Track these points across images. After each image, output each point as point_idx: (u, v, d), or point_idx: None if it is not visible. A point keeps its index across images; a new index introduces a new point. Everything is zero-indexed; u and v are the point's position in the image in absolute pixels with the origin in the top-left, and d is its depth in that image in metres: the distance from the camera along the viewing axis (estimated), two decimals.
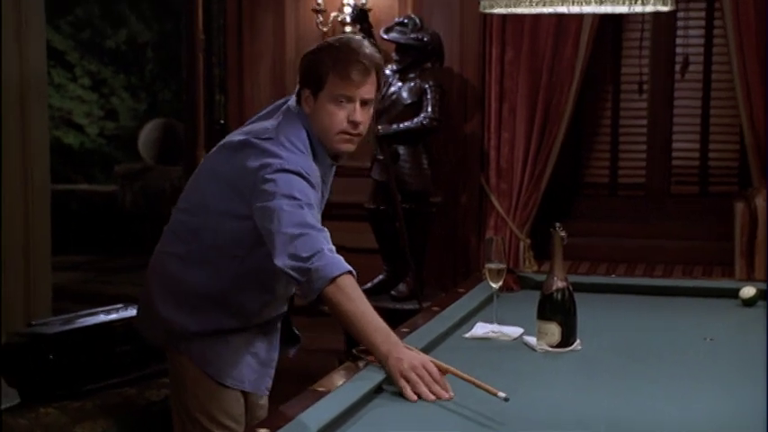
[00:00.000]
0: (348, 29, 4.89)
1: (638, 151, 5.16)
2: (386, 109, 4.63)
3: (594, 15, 4.31)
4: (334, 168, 2.48)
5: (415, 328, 2.53)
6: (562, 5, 2.60)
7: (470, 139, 4.93)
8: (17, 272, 5.52)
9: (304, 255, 2.09)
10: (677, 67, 5.02)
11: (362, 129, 2.29)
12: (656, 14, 2.96)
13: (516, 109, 4.79)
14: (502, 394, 1.87)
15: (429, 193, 4.69)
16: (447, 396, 1.94)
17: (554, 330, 2.34)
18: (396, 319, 4.49)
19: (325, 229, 2.21)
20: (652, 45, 5.02)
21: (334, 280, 2.10)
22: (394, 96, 4.62)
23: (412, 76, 4.60)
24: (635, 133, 5.16)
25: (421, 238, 4.70)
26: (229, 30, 5.12)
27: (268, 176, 2.19)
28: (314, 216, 2.20)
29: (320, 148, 2.32)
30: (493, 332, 2.51)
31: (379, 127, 4.60)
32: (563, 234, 2.38)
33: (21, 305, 5.52)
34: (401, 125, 4.58)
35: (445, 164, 4.85)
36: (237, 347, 2.42)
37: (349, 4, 4.84)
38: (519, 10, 2.73)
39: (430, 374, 1.96)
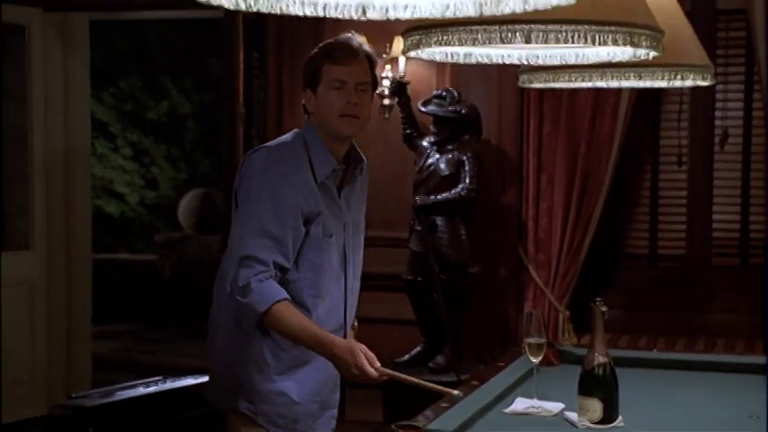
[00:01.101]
0: (386, 102, 4.96)
1: (678, 222, 5.13)
2: (423, 180, 4.66)
3: (633, 88, 4.33)
4: (355, 178, 2.56)
5: (454, 402, 2.51)
6: (601, 80, 2.62)
7: (508, 210, 4.94)
8: (59, 342, 5.58)
9: (240, 284, 2.31)
10: (716, 140, 5.02)
11: (361, 112, 2.41)
12: (695, 87, 2.97)
13: (554, 179, 4.80)
14: (455, 392, 2.41)
15: (467, 264, 4.69)
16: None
17: (596, 406, 2.31)
18: (436, 393, 4.53)
19: (270, 260, 2.36)
20: (691, 117, 5.03)
21: (266, 312, 2.33)
22: (432, 168, 4.65)
23: (450, 147, 4.64)
24: (675, 204, 5.13)
25: (459, 310, 4.68)
26: (270, 103, 5.20)
27: (241, 194, 2.43)
28: (262, 245, 2.35)
29: (321, 151, 2.43)
30: (533, 407, 2.48)
31: (417, 198, 4.63)
32: (604, 309, 2.37)
33: (62, 377, 5.56)
34: (439, 196, 4.60)
35: (483, 235, 4.86)
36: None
37: (387, 78, 4.91)
38: (557, 84, 2.75)
39: (366, 357, 2.40)
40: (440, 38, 2.01)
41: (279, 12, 1.62)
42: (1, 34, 5.26)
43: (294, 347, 2.42)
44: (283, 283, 2.37)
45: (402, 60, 4.87)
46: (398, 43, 4.86)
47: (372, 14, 1.66)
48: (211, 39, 7.99)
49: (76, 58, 5.66)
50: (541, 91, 4.67)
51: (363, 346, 2.40)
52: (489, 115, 4.80)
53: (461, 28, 1.99)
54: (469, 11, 1.63)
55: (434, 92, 4.72)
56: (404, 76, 4.84)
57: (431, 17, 1.67)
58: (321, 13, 1.64)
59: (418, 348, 4.74)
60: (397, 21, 1.76)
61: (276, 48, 5.16)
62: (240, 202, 2.41)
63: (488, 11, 1.61)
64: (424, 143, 4.71)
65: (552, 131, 4.79)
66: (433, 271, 4.58)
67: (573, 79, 2.62)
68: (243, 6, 1.59)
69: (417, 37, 2.05)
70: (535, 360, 2.52)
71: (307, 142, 2.44)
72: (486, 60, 2.37)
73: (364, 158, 2.60)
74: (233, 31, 5.03)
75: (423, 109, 4.66)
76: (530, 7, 1.58)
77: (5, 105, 5.37)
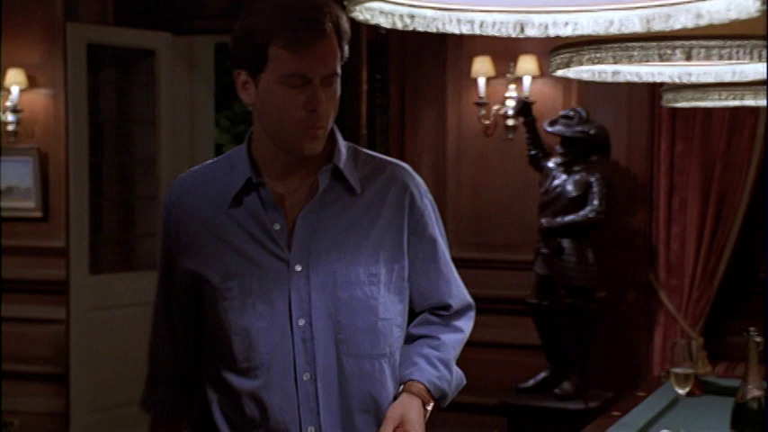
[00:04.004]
0: (511, 122, 4.88)
1: None
2: (550, 202, 4.55)
3: None
4: (343, 196, 1.74)
5: None
6: (754, 99, 2.49)
7: (637, 234, 4.78)
8: None
9: None
10: None
11: (329, 116, 1.67)
12: None
13: (687, 202, 4.62)
14: None
15: (594, 289, 4.55)
16: None
17: None
18: (560, 419, 4.42)
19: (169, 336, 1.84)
20: None
21: None
22: (558, 189, 4.54)
23: (577, 169, 4.53)
24: None
25: (585, 336, 4.55)
26: (392, 124, 5.19)
27: None
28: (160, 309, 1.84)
29: (241, 158, 1.76)
30: None
31: (543, 220, 4.53)
32: (758, 339, 2.25)
33: None
34: (566, 218, 4.49)
35: (611, 258, 4.71)
36: None
37: (512, 97, 4.84)
38: (704, 103, 2.64)
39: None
40: (592, 56, 1.94)
41: (435, 30, 1.58)
42: (133, 58, 5.41)
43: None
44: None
45: (527, 80, 4.79)
46: (524, 62, 4.79)
47: (531, 32, 1.60)
48: None
49: (201, 82, 5.77)
50: (674, 110, 4.51)
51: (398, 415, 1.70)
52: (617, 135, 4.67)
53: (616, 45, 1.91)
54: (636, 26, 1.55)
55: (561, 112, 4.62)
56: (529, 95, 4.75)
57: (593, 34, 1.59)
58: (477, 31, 1.58)
59: (543, 374, 4.62)
60: (555, 38, 1.69)
61: (398, 68, 5.14)
62: None
63: (657, 26, 1.53)
64: (550, 164, 4.61)
65: (685, 152, 4.62)
66: (560, 295, 4.47)
67: (724, 98, 2.50)
68: (399, 25, 1.55)
69: (568, 55, 1.98)
70: (682, 391, 2.41)
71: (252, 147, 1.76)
72: (635, 79, 2.27)
73: (390, 164, 1.80)
74: (356, 53, 5.03)
75: (549, 129, 4.56)
76: (703, 22, 1.49)
77: (137, 129, 5.50)
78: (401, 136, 5.16)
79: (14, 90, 5.21)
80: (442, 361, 1.76)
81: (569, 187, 4.52)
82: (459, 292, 1.85)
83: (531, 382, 4.59)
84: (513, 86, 4.85)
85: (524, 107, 4.66)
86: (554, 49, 2.04)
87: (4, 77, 5.23)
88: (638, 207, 4.79)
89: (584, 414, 4.36)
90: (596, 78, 2.24)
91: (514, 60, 4.80)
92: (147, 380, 1.91)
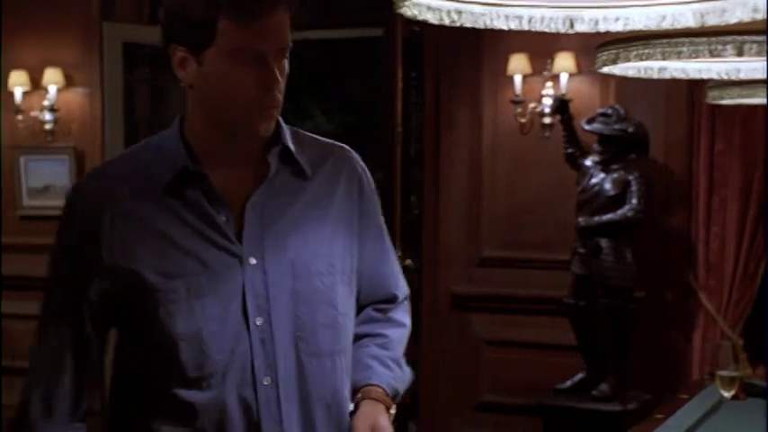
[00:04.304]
0: (547, 120, 4.83)
1: None
2: (588, 200, 4.50)
3: None
4: (293, 182, 1.61)
5: None
6: None
7: (676, 233, 4.71)
8: None
9: None
10: None
11: (281, 97, 1.53)
12: None
13: (727, 201, 4.55)
14: None
15: (632, 289, 4.49)
16: None
17: None
18: (598, 421, 4.37)
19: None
20: None
21: None
22: (596, 188, 4.49)
23: (615, 167, 4.47)
24: None
25: (623, 336, 4.49)
26: (427, 121, 5.16)
27: None
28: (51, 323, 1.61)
29: (173, 143, 1.58)
30: None
31: (581, 219, 4.48)
32: None
33: None
34: (604, 217, 4.44)
35: (649, 258, 4.64)
36: None
37: (548, 95, 4.79)
38: (752, 100, 2.59)
39: None
40: (640, 52, 1.90)
41: (483, 25, 1.55)
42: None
43: None
44: None
45: (564, 77, 4.74)
46: (561, 59, 4.74)
47: (581, 27, 1.56)
48: (355, 60, 8.04)
49: None
50: (713, 107, 4.45)
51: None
52: (655, 133, 4.60)
53: (665, 41, 1.87)
54: (689, 21, 1.51)
55: (599, 109, 4.56)
56: (566, 93, 4.71)
57: (644, 29, 1.56)
58: (526, 27, 1.56)
59: (580, 375, 4.57)
60: (604, 34, 1.66)
61: (434, 66, 5.11)
62: None
63: (711, 21, 1.49)
64: (587, 162, 4.55)
65: (725, 150, 4.55)
66: (597, 295, 4.42)
67: None
68: (447, 21, 1.53)
69: (615, 51, 1.95)
70: (727, 394, 2.37)
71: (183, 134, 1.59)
72: (681, 75, 2.23)
73: (336, 146, 1.70)
74: (392, 50, 5.01)
75: (587, 127, 4.51)
76: (759, 15, 1.45)
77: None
78: (436, 134, 5.13)
79: (52, 89, 5.24)
80: (393, 360, 1.68)
81: (607, 186, 4.46)
82: (403, 281, 1.77)
83: (568, 383, 4.54)
84: (549, 84, 4.80)
85: (562, 105, 4.61)
86: (600, 45, 2.01)
87: (41, 77, 5.26)
88: (677, 206, 4.73)
89: (622, 416, 4.31)
90: (642, 75, 2.20)
91: (551, 57, 4.75)
92: (27, 421, 1.59)
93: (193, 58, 1.50)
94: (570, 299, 4.56)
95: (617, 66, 2.07)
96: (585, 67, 4.76)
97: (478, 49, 4.98)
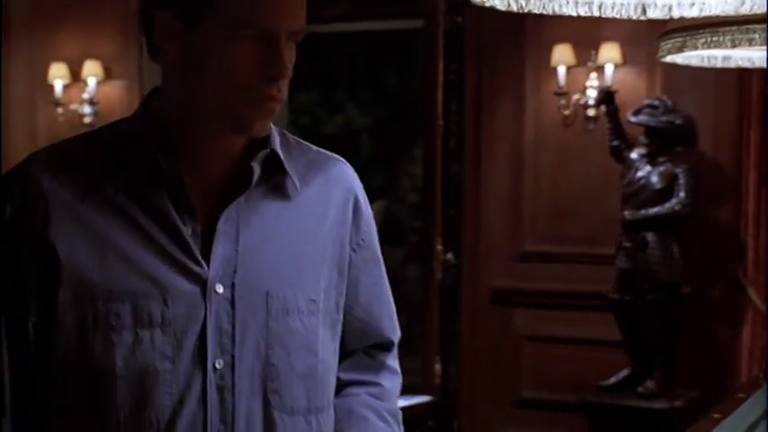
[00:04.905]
0: (591, 112, 4.75)
1: None
2: (633, 194, 4.41)
3: None
4: (270, 193, 1.30)
5: None
6: None
7: (724, 227, 4.61)
8: None
9: None
10: None
11: (285, 89, 1.23)
12: None
13: None
14: None
15: (679, 284, 4.40)
16: None
17: None
18: (644, 419, 4.29)
19: None
20: None
21: None
22: (642, 181, 4.40)
23: (662, 160, 4.38)
24: None
25: (670, 332, 4.40)
26: (468, 115, 5.08)
27: None
28: None
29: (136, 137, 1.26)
30: None
31: (627, 213, 4.40)
32: None
33: None
34: (651, 210, 4.35)
35: (696, 253, 4.55)
36: None
37: (593, 87, 4.71)
38: None
39: None
40: (708, 39, 1.82)
41: (551, 12, 1.49)
42: None
43: None
44: None
45: (609, 68, 4.65)
46: (606, 50, 4.65)
47: (653, 13, 1.49)
48: (390, 52, 7.97)
49: None
50: (764, 97, 4.33)
51: None
52: (704, 125, 4.50)
53: (735, 27, 1.79)
54: None
55: (646, 101, 4.46)
56: (611, 85, 4.61)
57: (721, 14, 1.48)
58: (596, 13, 1.49)
59: (625, 372, 4.49)
60: (653, 21, 1.59)
61: (475, 58, 5.04)
62: None
63: None
64: (633, 155, 4.46)
65: None
66: (643, 290, 4.34)
67: None
68: (515, 8, 1.46)
69: (681, 39, 1.87)
70: None
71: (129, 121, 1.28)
72: (747, 64, 2.15)
73: (330, 158, 1.40)
74: (432, 42, 4.95)
75: (633, 119, 4.42)
76: None
77: None
78: (477, 127, 5.06)
79: (91, 82, 5.23)
80: (391, 414, 1.40)
81: (654, 179, 4.37)
82: (396, 322, 1.46)
83: (613, 379, 4.46)
84: (594, 75, 4.71)
85: (607, 96, 4.52)
86: (664, 33, 1.93)
87: (80, 69, 5.26)
88: (726, 199, 4.62)
89: (668, 414, 4.23)
90: (705, 64, 2.12)
91: (596, 48, 4.66)
92: None
93: (184, 29, 1.19)
94: (615, 294, 4.48)
95: (680, 55, 1.99)
96: (631, 57, 4.67)
97: (521, 39, 4.90)
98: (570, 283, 4.78)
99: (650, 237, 4.38)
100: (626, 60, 4.65)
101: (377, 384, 1.41)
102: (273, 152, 1.27)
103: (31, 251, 1.22)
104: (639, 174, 4.42)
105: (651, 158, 4.40)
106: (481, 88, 5.04)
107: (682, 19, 1.71)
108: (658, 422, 4.27)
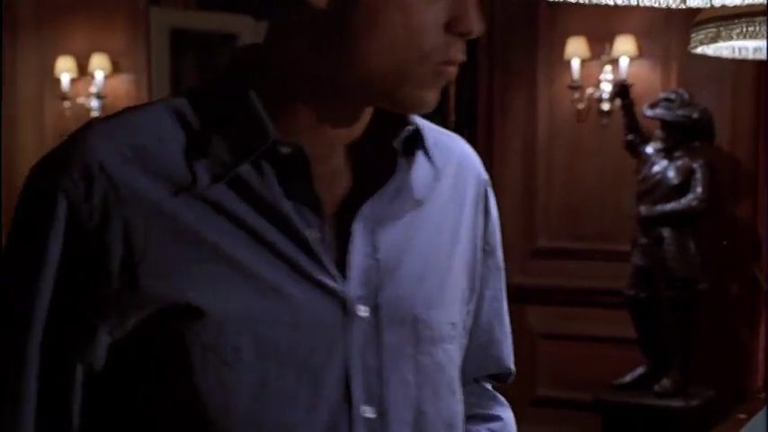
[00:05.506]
0: (606, 107, 4.68)
1: None
2: (649, 189, 4.34)
3: None
4: (405, 193, 0.98)
5: None
6: None
7: (741, 224, 4.55)
8: None
9: None
10: None
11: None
12: None
13: None
14: None
15: (695, 281, 4.34)
16: None
17: None
18: (660, 418, 4.22)
19: None
20: None
21: None
22: (658, 176, 4.33)
23: (678, 155, 4.31)
24: None
25: (686, 330, 4.34)
26: (480, 109, 5.02)
27: None
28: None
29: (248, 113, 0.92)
30: None
31: (642, 208, 4.33)
32: None
33: None
34: (667, 206, 4.28)
35: (713, 249, 4.48)
36: None
37: (607, 80, 4.63)
38: None
39: None
40: (744, 29, 1.75)
41: (587, 1, 1.42)
42: (215, 43, 5.34)
43: None
44: None
45: (624, 61, 4.58)
46: (621, 43, 4.58)
47: (693, 2, 1.43)
48: None
49: None
50: None
51: None
52: (721, 119, 4.43)
53: None
54: None
55: (662, 94, 4.39)
56: (626, 78, 4.55)
57: (763, 1, 1.42)
58: (633, 3, 1.42)
59: (641, 370, 4.42)
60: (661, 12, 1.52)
61: (487, 50, 4.96)
62: None
63: None
64: (649, 150, 4.39)
65: None
66: (659, 287, 4.27)
67: None
68: None
69: (715, 29, 1.80)
70: None
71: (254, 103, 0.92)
72: None
73: (457, 141, 1.09)
74: None
75: (649, 113, 4.35)
76: None
77: None
78: (489, 121, 4.99)
79: (99, 75, 5.17)
80: None
81: (671, 174, 4.30)
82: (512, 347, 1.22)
83: (628, 377, 4.39)
84: (608, 68, 4.64)
85: (622, 90, 4.45)
86: (696, 23, 1.87)
87: (88, 63, 5.20)
88: (743, 195, 4.56)
89: (684, 412, 4.17)
90: (736, 56, 2.06)
91: (611, 41, 4.59)
92: None
93: None
94: (631, 291, 4.42)
95: (711, 46, 1.92)
96: (646, 50, 4.61)
97: (534, 32, 4.83)
98: (585, 279, 4.71)
99: (666, 233, 4.31)
100: (641, 53, 4.58)
101: (497, 418, 1.17)
102: (417, 131, 0.97)
103: (97, 268, 0.88)
104: (655, 169, 4.35)
105: (667, 153, 4.34)
106: (493, 82, 4.97)
107: (715, 8, 1.64)
108: (674, 421, 4.21)
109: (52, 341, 0.90)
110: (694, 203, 4.25)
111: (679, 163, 4.30)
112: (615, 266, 4.52)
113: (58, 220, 0.88)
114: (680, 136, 4.30)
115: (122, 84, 5.26)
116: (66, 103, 5.24)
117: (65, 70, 5.20)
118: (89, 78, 5.20)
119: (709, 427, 2.66)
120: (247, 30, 5.36)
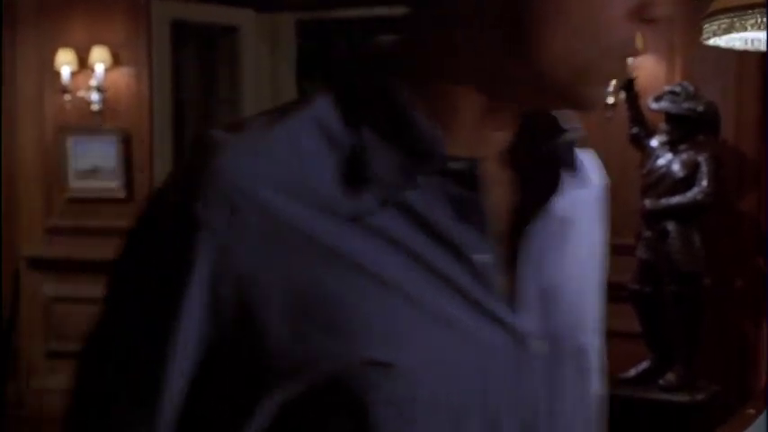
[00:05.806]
0: (610, 99, 4.64)
1: None
2: (654, 183, 4.32)
3: None
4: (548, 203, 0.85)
5: None
6: None
7: (747, 218, 4.52)
8: None
9: None
10: None
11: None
12: None
13: None
14: None
15: (700, 275, 4.31)
16: None
17: None
18: (665, 412, 4.20)
19: None
20: None
21: None
22: (663, 170, 4.30)
23: (683, 148, 4.28)
24: None
25: (691, 324, 4.32)
26: None
27: None
28: None
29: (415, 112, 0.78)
30: None
31: (647, 201, 4.30)
32: None
33: None
34: (672, 200, 4.25)
35: (718, 243, 4.46)
36: None
37: None
38: None
39: None
40: (758, 20, 1.72)
41: None
42: (216, 35, 5.31)
43: None
44: None
45: None
46: None
47: None
48: None
49: (283, 60, 5.64)
50: None
51: None
52: (725, 112, 4.40)
53: None
54: None
55: (667, 87, 4.36)
56: (630, 71, 4.51)
57: None
58: None
59: (645, 364, 4.40)
60: None
61: None
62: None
63: None
64: (653, 143, 4.37)
65: None
66: (664, 281, 4.25)
67: None
68: None
69: (729, 21, 1.77)
70: None
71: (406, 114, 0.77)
72: None
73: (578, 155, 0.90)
74: None
75: (654, 106, 4.32)
76: None
77: (220, 107, 5.41)
78: None
79: (99, 68, 5.14)
80: None
81: (676, 167, 4.27)
82: None
83: (633, 372, 4.37)
84: None
85: (627, 82, 4.42)
86: (709, 14, 1.84)
87: (88, 56, 5.17)
88: (748, 189, 4.53)
89: (689, 407, 4.15)
90: (748, 47, 2.03)
91: None
92: None
93: None
94: (635, 285, 4.39)
95: (723, 37, 1.89)
96: (651, 43, 4.57)
97: None
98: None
99: (671, 226, 4.28)
100: (645, 46, 4.55)
101: None
102: (572, 139, 0.87)
103: (253, 328, 0.73)
104: (660, 162, 4.32)
105: (672, 146, 4.31)
106: None
107: None
108: (679, 415, 4.19)
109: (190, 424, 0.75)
110: (700, 197, 4.22)
111: (684, 156, 4.27)
112: (619, 260, 4.43)
113: (200, 263, 0.72)
114: (685, 129, 4.27)
115: (123, 76, 5.23)
116: (67, 96, 5.21)
117: (65, 63, 5.17)
118: (89, 71, 5.17)
119: (714, 421, 2.65)
120: (248, 23, 5.33)
